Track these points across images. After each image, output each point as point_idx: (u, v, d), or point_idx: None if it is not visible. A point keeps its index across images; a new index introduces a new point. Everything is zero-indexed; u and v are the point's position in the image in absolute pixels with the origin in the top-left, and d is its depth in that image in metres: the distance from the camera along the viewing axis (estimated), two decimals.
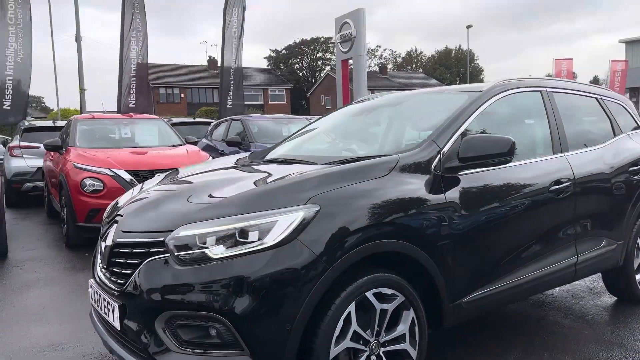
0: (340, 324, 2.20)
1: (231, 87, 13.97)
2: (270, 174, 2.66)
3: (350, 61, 15.39)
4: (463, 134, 2.81)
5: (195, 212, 2.25)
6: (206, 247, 2.08)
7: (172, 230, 2.17)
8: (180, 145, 7.33)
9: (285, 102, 47.17)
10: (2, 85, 11.57)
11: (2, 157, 9.99)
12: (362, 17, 15.24)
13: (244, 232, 2.08)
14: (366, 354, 2.30)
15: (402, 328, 2.42)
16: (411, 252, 2.41)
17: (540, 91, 3.37)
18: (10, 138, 13.02)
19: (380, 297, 2.34)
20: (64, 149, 6.67)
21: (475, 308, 2.76)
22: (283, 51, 67.23)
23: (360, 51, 16.00)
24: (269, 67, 63.49)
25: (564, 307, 3.78)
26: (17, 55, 11.57)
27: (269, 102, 46.09)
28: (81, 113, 15.39)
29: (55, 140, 6.88)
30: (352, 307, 2.23)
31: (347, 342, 2.23)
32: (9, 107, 11.69)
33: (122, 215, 2.55)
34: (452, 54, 69.62)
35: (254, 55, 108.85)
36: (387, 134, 3.54)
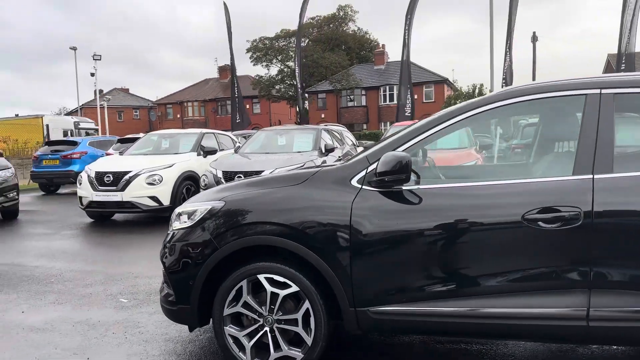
0: (233, 292, 2.96)
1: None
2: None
3: None
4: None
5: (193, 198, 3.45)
6: (176, 221, 3.27)
7: None
8: (465, 148, 7.79)
9: None
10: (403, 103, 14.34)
11: None
12: None
13: (183, 214, 3.17)
14: (259, 323, 2.94)
15: (296, 314, 2.88)
16: (297, 250, 2.82)
17: (585, 95, 2.66)
18: None
19: (272, 282, 2.90)
20: None
21: (395, 322, 2.76)
22: None
23: None
24: None
25: None
26: None
27: None
28: None
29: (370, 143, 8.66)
30: (244, 283, 2.93)
31: (238, 308, 2.95)
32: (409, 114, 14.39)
33: None
34: None
35: None
36: None
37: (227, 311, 2.98)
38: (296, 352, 2.89)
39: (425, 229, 2.68)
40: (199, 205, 3.12)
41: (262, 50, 39.20)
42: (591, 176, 2.52)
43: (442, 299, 2.67)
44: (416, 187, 2.79)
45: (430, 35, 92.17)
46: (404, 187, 2.76)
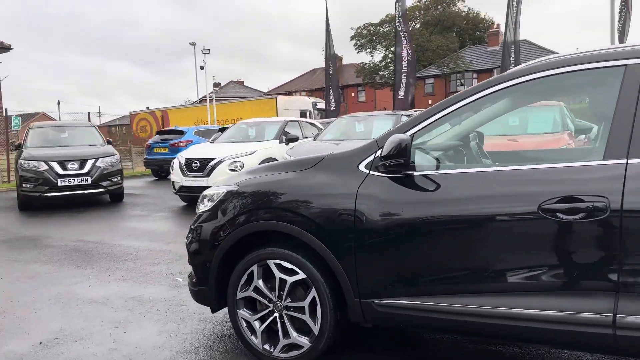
0: (245, 277, 2.96)
1: None
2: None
3: None
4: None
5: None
6: (201, 203, 3.34)
7: None
8: (557, 132, 7.11)
9: None
10: None
11: None
12: None
13: (206, 197, 3.22)
14: (269, 309, 2.91)
15: (303, 302, 2.81)
16: (301, 236, 2.74)
17: (625, 65, 2.26)
18: None
19: (281, 268, 2.85)
20: None
21: (401, 316, 2.58)
22: None
23: None
24: None
25: None
26: None
27: None
28: None
29: None
30: (254, 268, 2.92)
31: (249, 292, 2.95)
32: None
33: None
34: None
35: None
36: None
37: (239, 295, 2.99)
38: (304, 340, 2.82)
39: (434, 218, 2.46)
40: (218, 189, 3.16)
41: (366, 37, 38.90)
42: (624, 161, 2.14)
43: (449, 295, 2.45)
44: (433, 172, 2.57)
45: (555, 12, 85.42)
46: (415, 173, 2.56)
